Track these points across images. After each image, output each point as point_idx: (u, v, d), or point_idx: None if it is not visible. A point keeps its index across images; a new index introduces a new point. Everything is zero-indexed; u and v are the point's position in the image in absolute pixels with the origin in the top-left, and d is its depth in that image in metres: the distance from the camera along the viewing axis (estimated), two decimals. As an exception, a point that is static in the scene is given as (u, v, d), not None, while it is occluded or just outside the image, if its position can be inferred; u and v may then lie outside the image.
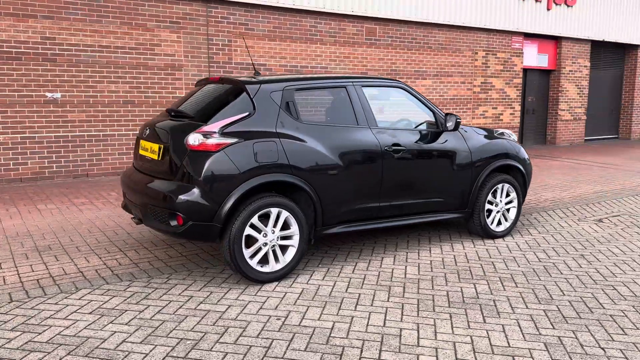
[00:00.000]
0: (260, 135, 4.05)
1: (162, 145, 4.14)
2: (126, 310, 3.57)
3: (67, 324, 3.35)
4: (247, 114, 4.08)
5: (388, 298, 3.81)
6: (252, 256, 4.01)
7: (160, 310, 3.57)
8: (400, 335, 3.21)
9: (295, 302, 3.73)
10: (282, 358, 2.93)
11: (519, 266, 4.55)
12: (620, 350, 3.07)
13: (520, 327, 3.34)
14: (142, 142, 4.48)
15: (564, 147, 15.17)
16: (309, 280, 4.17)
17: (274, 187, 4.12)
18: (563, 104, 15.36)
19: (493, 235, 5.40)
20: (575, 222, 6.16)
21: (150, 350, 3.00)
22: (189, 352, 2.99)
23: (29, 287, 3.98)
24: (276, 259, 4.11)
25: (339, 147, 4.35)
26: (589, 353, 3.02)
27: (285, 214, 4.07)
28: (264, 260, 4.09)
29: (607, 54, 16.76)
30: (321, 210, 4.27)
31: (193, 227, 3.85)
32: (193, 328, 3.30)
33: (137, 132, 4.86)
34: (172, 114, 4.36)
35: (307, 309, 3.60)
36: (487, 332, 3.27)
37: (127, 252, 4.85)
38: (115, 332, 3.25)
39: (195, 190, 3.84)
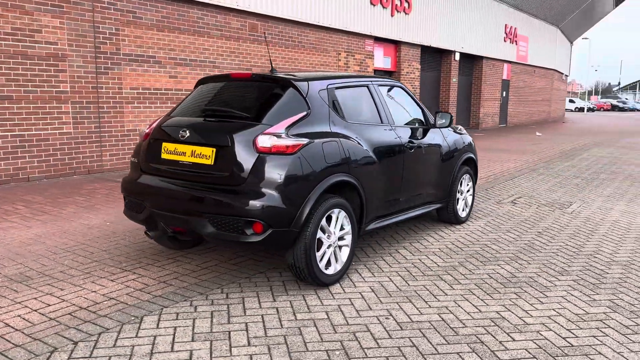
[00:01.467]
0: (321, 135, 3.95)
1: (217, 149, 3.76)
2: (230, 331, 3.22)
3: (184, 356, 2.91)
4: (305, 113, 3.94)
5: (452, 285, 4.08)
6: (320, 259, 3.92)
7: (264, 325, 3.30)
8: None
9: (380, 300, 3.77)
10: (436, 353, 3.02)
11: (508, 246, 5.20)
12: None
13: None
14: (173, 146, 3.98)
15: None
16: (363, 278, 4.21)
17: (334, 187, 4.06)
18: (403, 102, 17.11)
19: (460, 221, 6.02)
20: (497, 205, 7.14)
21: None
22: (348, 362, 2.89)
23: (72, 324, 3.29)
24: (335, 259, 4.07)
25: (374, 144, 4.44)
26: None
27: (342, 214, 4.05)
28: (326, 263, 4.01)
29: (430, 57, 19.12)
30: (365, 207, 4.32)
31: (273, 234, 3.60)
32: (323, 338, 3.15)
33: (150, 134, 4.23)
34: (208, 113, 3.97)
35: (399, 305, 3.68)
36: (557, 302, 3.77)
37: (136, 271, 4.24)
38: (252, 355, 2.94)
39: (275, 195, 3.60)
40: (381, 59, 16.06)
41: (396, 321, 3.41)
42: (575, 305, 3.73)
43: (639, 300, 3.84)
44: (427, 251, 4.97)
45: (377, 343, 3.10)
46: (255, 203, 3.56)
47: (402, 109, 5.17)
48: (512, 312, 3.59)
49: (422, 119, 5.43)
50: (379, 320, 3.42)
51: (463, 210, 6.09)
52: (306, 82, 4.11)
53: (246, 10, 11.12)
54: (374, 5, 15.08)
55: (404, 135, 4.88)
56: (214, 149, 3.77)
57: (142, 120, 9.52)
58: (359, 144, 4.25)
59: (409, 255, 4.82)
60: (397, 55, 16.76)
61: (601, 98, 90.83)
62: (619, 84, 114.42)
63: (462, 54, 20.58)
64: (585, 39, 51.17)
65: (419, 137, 5.13)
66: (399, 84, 5.25)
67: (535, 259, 4.77)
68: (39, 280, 4.02)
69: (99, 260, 4.51)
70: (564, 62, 35.41)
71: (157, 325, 3.30)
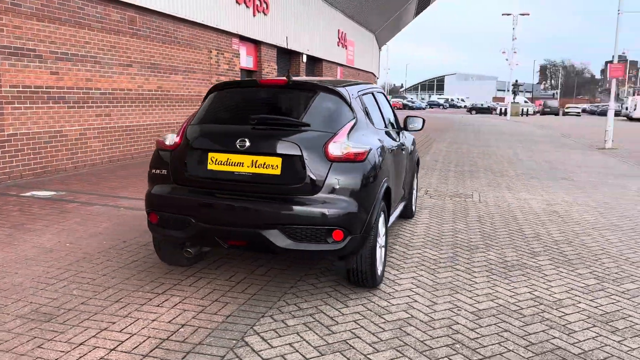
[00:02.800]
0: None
1: (284, 158, 3.65)
2: (344, 340, 3.22)
3: (333, 369, 2.87)
4: (354, 120, 4.02)
5: (471, 274, 4.56)
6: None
7: (367, 329, 3.37)
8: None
9: (430, 292, 4.07)
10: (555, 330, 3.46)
11: (472, 234, 5.89)
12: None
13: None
14: (225, 156, 3.73)
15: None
16: (398, 275, 4.45)
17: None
18: (264, 101, 17.30)
19: (414, 215, 6.57)
20: (436, 199, 7.90)
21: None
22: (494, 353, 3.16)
23: (177, 357, 2.96)
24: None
25: (390, 147, 4.69)
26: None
27: (382, 216, 4.24)
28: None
29: (281, 59, 19.60)
30: (390, 208, 4.56)
31: (351, 240, 3.65)
32: (430, 335, 3.35)
33: (180, 143, 3.86)
34: (258, 121, 3.82)
35: (451, 295, 4.03)
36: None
37: (173, 293, 3.88)
38: (393, 359, 3.02)
39: (352, 202, 3.65)
40: (244, 58, 16.04)
41: (463, 308, 3.76)
42: (562, 277, 4.51)
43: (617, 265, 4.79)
44: (414, 244, 5.38)
45: (477, 324, 3.42)
46: (336, 211, 3.58)
47: (389, 112, 5.51)
48: (549, 290, 4.20)
49: (394, 121, 5.83)
50: (449, 308, 3.73)
51: (414, 204, 6.66)
52: (346, 89, 4.19)
53: (125, 1, 10.25)
54: (239, 4, 15.00)
55: (396, 137, 5.22)
56: (282, 159, 3.66)
57: (23, 123, 8.23)
58: (386, 147, 4.47)
59: (403, 249, 5.18)
60: (257, 55, 16.88)
61: (392, 98, 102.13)
62: (402, 85, 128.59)
63: (308, 57, 21.50)
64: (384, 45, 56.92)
65: (400, 139, 5.52)
66: (382, 90, 5.57)
67: (505, 244, 5.52)
68: (69, 316, 3.46)
69: (113, 287, 3.99)
70: (376, 65, 39.01)
71: (270, 344, 3.15)
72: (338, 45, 25.46)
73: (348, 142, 3.76)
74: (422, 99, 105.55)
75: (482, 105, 67.77)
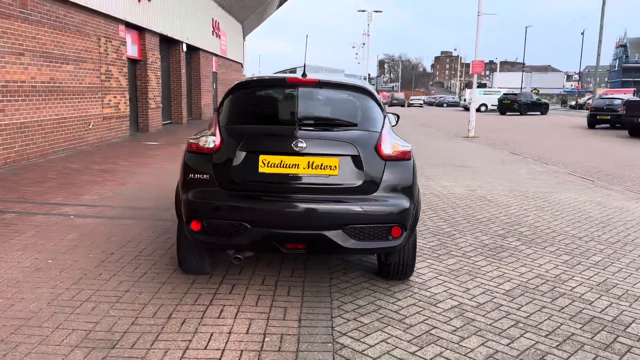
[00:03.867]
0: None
1: (342, 158, 3.66)
2: (432, 329, 3.38)
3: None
4: (385, 119, 4.14)
5: (479, 263, 4.96)
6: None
7: (446, 319, 3.57)
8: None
9: (450, 279, 4.38)
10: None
11: (456, 221, 6.35)
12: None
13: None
14: (279, 158, 3.62)
15: (157, 132, 16.35)
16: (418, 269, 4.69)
17: None
18: (150, 93, 16.36)
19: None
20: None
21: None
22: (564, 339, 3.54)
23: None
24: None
25: None
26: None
27: None
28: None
29: (162, 48, 18.62)
30: None
31: (405, 236, 3.80)
32: (492, 317, 3.65)
33: (221, 146, 3.68)
34: (306, 121, 3.78)
35: (472, 280, 4.39)
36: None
37: (227, 302, 3.69)
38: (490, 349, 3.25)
39: (406, 199, 3.79)
40: (130, 47, 14.97)
41: (494, 291, 4.14)
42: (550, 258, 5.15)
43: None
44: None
45: (517, 303, 3.80)
46: (395, 209, 3.70)
47: None
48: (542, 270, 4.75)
49: None
50: (483, 292, 4.08)
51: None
52: (371, 88, 4.30)
53: (16, -19, 9.03)
54: (125, -11, 13.95)
55: None
56: (339, 159, 3.68)
57: None
58: None
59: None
60: (142, 44, 15.85)
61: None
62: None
63: (187, 46, 20.67)
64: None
65: None
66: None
67: (472, 229, 6.05)
68: (131, 339, 3.15)
69: (150, 303, 3.68)
70: (242, 56, 38.67)
71: (366, 343, 3.20)
72: (213, 35, 24.82)
73: (394, 140, 3.90)
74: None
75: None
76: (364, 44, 68.24)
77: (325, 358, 3.02)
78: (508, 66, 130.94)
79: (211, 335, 3.24)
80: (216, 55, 26.01)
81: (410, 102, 65.53)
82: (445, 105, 67.75)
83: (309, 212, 3.59)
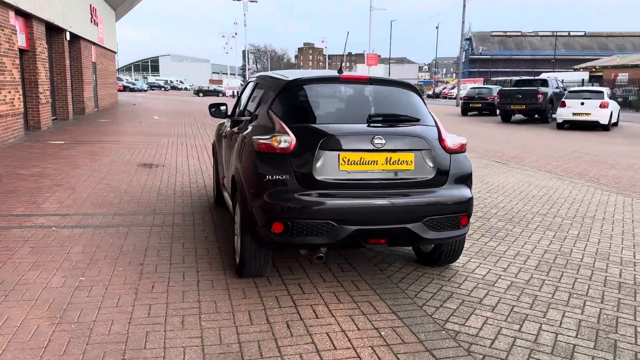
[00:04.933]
0: None
1: (416, 153, 3.81)
2: (515, 306, 3.67)
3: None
4: (430, 113, 4.35)
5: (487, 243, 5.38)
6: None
7: (515, 296, 3.88)
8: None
9: (494, 260, 4.75)
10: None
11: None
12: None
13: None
14: (358, 155, 3.68)
15: (49, 130, 14.85)
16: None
17: None
18: (40, 87, 14.78)
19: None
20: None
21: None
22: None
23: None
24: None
25: None
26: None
27: None
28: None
29: (46, 36, 16.85)
30: None
31: (468, 224, 4.05)
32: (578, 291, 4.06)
33: (296, 145, 3.69)
34: (376, 118, 3.86)
35: (507, 260, 4.79)
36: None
37: (310, 298, 3.65)
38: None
39: (468, 189, 4.04)
40: (19, 36, 13.37)
41: (527, 270, 4.58)
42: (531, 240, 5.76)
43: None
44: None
45: (555, 279, 4.27)
46: (463, 199, 3.93)
47: None
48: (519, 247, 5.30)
49: None
50: (520, 270, 4.50)
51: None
52: (413, 84, 4.47)
53: None
54: (13, -30, 12.40)
55: None
56: (414, 154, 3.82)
57: None
58: None
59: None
60: (29, 32, 14.22)
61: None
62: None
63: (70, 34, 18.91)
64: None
65: None
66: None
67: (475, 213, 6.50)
68: (254, 349, 3.04)
69: (239, 311, 3.53)
70: (114, 43, 36.18)
71: (473, 325, 3.41)
72: (91, 22, 22.93)
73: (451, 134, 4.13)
74: (145, 78, 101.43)
75: (208, 87, 69.08)
76: (236, 34, 67.47)
77: (451, 345, 3.18)
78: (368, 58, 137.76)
79: (328, 335, 3.24)
80: (95, 44, 24.09)
81: None
82: (318, 95, 69.32)
83: (393, 207, 3.69)
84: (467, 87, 65.94)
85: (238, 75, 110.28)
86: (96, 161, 9.63)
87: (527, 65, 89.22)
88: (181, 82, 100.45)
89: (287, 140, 3.69)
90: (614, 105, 19.74)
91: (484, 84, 42.63)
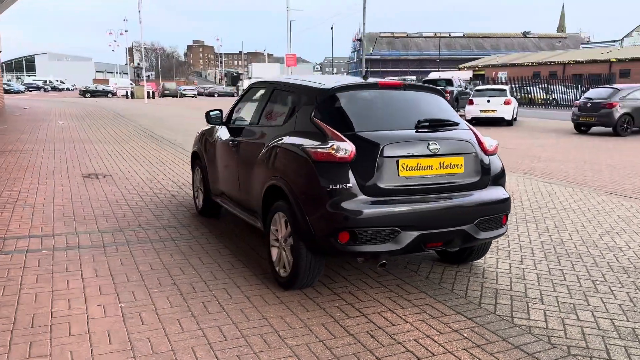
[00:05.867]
0: None
1: (465, 156, 3.95)
2: (576, 288, 3.92)
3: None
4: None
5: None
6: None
7: (560, 283, 4.14)
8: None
9: (517, 248, 5.02)
10: None
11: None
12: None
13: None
14: (415, 161, 3.74)
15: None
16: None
17: None
18: None
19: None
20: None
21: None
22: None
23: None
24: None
25: None
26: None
27: None
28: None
29: None
30: None
31: (507, 223, 4.24)
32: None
33: (355, 153, 3.68)
34: (424, 123, 3.94)
35: (532, 249, 5.08)
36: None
37: (380, 305, 3.63)
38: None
39: (504, 189, 4.23)
40: None
41: (562, 259, 4.91)
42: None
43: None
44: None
45: (589, 266, 4.63)
46: (504, 199, 4.11)
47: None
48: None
49: None
50: (559, 258, 4.83)
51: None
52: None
53: None
54: None
55: None
56: (463, 157, 3.95)
57: None
58: None
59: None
60: None
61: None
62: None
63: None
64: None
65: None
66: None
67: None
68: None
69: (323, 323, 3.44)
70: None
71: (544, 318, 3.61)
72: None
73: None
74: (19, 79, 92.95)
75: (96, 88, 65.12)
76: (126, 31, 64.10)
77: (532, 339, 3.33)
78: (263, 57, 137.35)
79: (417, 341, 3.26)
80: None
81: (183, 92, 63.98)
82: (216, 95, 68.14)
83: (451, 210, 3.80)
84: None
85: (122, 73, 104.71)
86: (32, 173, 8.76)
87: (415, 65, 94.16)
88: (62, 82, 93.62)
89: (346, 148, 3.66)
90: (515, 102, 21.51)
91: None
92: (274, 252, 4.22)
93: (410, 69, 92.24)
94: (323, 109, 4.02)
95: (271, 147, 4.25)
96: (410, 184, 3.76)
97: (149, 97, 52.15)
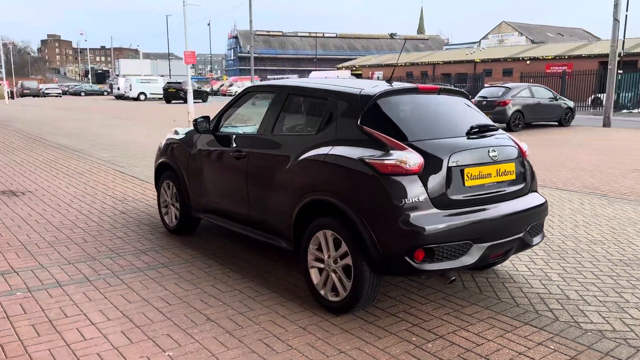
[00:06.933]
0: None
1: (516, 162, 3.91)
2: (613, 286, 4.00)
3: None
4: None
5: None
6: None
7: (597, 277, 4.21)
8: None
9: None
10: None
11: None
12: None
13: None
14: (477, 170, 3.59)
15: None
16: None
17: None
18: None
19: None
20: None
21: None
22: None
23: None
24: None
25: None
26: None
27: None
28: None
29: None
30: None
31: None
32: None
33: (425, 164, 3.45)
34: (474, 130, 3.79)
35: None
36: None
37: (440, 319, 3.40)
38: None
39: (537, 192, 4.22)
40: None
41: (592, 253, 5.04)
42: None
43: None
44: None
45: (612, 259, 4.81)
46: (545, 202, 4.09)
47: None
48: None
49: None
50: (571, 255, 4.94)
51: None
52: None
53: None
54: None
55: None
56: (514, 163, 3.87)
57: None
58: None
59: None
60: None
61: None
62: None
63: None
64: None
65: None
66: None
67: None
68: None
69: (363, 343, 3.13)
70: None
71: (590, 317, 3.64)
72: None
73: None
74: None
75: None
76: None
77: (611, 344, 3.32)
78: (132, 53, 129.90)
79: (530, 358, 3.12)
80: None
81: (46, 91, 58.24)
82: (83, 94, 63.16)
83: (512, 218, 3.70)
84: (245, 84, 67.66)
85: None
86: None
87: (292, 63, 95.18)
88: None
89: (415, 158, 3.39)
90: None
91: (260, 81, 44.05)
92: (315, 273, 3.83)
93: (288, 68, 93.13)
94: (371, 115, 3.70)
95: (308, 159, 3.83)
96: (474, 194, 3.59)
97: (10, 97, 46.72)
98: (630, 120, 24.10)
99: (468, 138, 3.76)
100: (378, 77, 56.66)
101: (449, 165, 3.48)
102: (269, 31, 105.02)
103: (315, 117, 4.14)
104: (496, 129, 4.05)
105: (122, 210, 6.58)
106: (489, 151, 3.69)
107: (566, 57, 43.24)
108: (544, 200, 4.06)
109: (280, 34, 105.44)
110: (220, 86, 70.93)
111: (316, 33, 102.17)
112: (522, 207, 3.82)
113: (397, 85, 4.04)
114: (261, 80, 54.17)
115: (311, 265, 3.84)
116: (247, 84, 68.01)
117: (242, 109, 4.96)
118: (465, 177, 3.55)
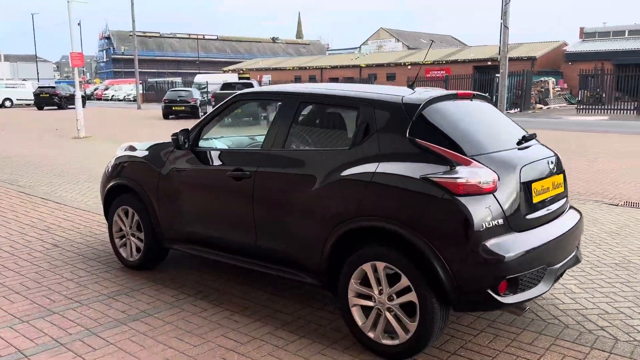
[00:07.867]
0: None
1: (564, 173, 3.67)
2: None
3: None
4: None
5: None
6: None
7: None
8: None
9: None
10: None
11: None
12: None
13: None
14: (540, 184, 3.28)
15: None
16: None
17: None
18: None
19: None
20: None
21: None
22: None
23: None
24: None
25: None
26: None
27: None
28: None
29: None
30: None
31: None
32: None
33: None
34: (520, 139, 3.46)
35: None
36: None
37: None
38: None
39: None
40: None
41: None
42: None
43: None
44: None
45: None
46: (582, 217, 3.83)
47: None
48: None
49: None
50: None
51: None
52: None
53: None
54: None
55: None
56: (562, 175, 3.62)
57: None
58: None
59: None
60: None
61: None
62: None
63: None
64: None
65: None
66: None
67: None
68: None
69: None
70: None
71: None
72: None
73: None
74: None
75: None
76: None
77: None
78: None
79: None
80: None
81: None
82: None
83: (572, 235, 3.43)
84: (123, 87, 63.47)
85: None
86: None
87: (172, 66, 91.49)
88: None
89: (489, 175, 2.96)
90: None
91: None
92: (358, 313, 3.25)
93: (168, 70, 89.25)
94: (421, 126, 3.20)
95: (346, 180, 3.23)
96: (541, 211, 3.26)
97: None
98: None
99: (519, 149, 3.41)
100: (269, 81, 56.18)
101: (520, 180, 3.10)
102: (145, 32, 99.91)
103: (342, 129, 3.56)
104: (533, 137, 3.76)
105: (52, 243, 5.44)
106: (548, 162, 3.38)
107: (443, 62, 45.92)
108: (580, 214, 3.84)
109: (158, 34, 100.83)
110: (95, 89, 66.18)
111: (196, 35, 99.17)
112: (573, 221, 3.56)
113: (438, 91, 3.58)
114: (141, 84, 51.12)
115: (353, 304, 3.26)
116: (126, 87, 63.90)
117: (241, 120, 4.22)
118: (533, 193, 3.20)
